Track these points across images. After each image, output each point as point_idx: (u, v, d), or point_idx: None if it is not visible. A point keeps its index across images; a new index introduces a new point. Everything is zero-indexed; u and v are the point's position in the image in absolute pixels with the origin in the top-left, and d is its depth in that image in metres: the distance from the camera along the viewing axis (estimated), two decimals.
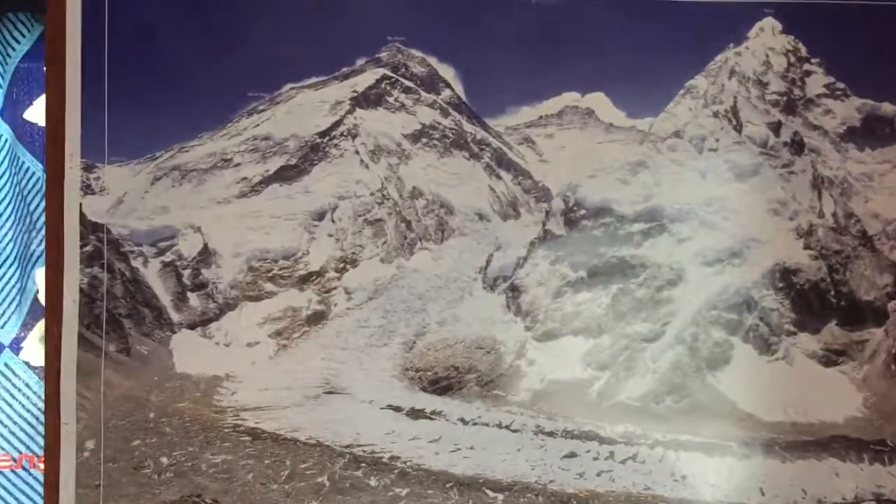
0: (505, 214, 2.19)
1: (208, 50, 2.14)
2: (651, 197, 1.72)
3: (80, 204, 1.75)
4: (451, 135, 2.32)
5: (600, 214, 1.76)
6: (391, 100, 2.49)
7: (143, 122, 2.05)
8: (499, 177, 2.39)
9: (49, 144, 1.76)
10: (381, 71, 2.28)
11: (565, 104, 2.16)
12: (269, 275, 1.92)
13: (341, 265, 1.94)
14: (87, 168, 1.82)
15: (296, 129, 2.18)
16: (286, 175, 2.17)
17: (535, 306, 1.78)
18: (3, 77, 1.89)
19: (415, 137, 2.49)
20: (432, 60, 2.41)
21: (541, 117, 2.22)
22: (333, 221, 2.26)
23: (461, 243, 2.00)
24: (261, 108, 2.14)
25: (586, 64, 1.94)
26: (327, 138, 2.48)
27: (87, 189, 1.78)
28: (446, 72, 2.46)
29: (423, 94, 2.62)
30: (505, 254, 2.04)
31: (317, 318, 1.83)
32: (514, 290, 1.83)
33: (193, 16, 2.08)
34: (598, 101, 2.05)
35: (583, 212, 1.91)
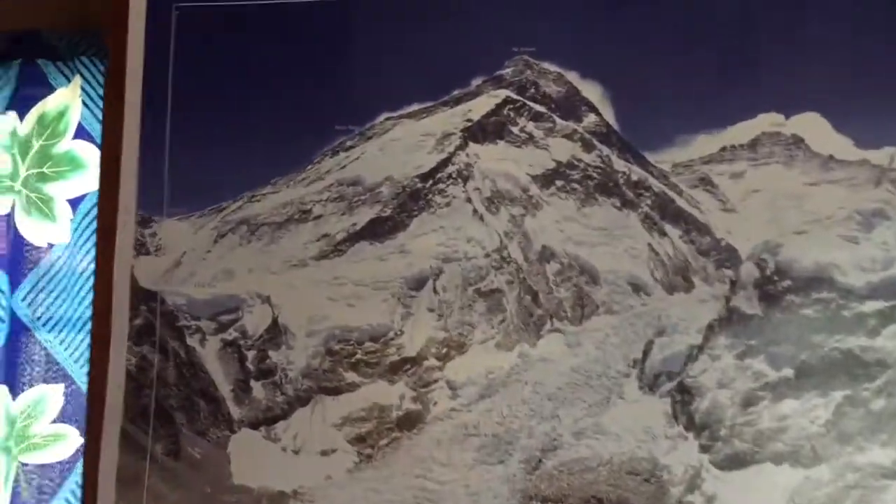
0: (671, 285, 2.21)
1: (288, 74, 2.49)
2: (893, 263, 1.69)
3: (132, 266, 1.95)
4: (595, 175, 2.56)
5: (815, 287, 1.71)
6: (516, 130, 2.70)
7: (209, 165, 2.44)
8: (663, 233, 2.43)
9: (101, 194, 1.99)
10: (504, 93, 2.60)
11: (760, 130, 2.15)
12: (352, 360, 2.06)
13: (444, 350, 2.06)
14: (143, 222, 2.04)
15: (391, 170, 2.44)
16: (377, 230, 2.42)
17: (716, 418, 1.74)
18: None
19: (546, 180, 2.61)
20: (571, 76, 2.57)
21: (724, 149, 2.28)
22: (436, 292, 2.42)
23: (609, 324, 2.07)
24: (349, 144, 2.56)
25: (791, 72, 2.00)
26: (431, 182, 2.68)
27: (139, 248, 1.99)
28: (590, 91, 2.62)
29: (559, 121, 2.79)
30: (671, 340, 2.05)
31: (411, 422, 1.93)
32: (685, 393, 1.81)
33: (270, 37, 2.43)
34: (811, 124, 2.07)
35: (787, 283, 1.88)
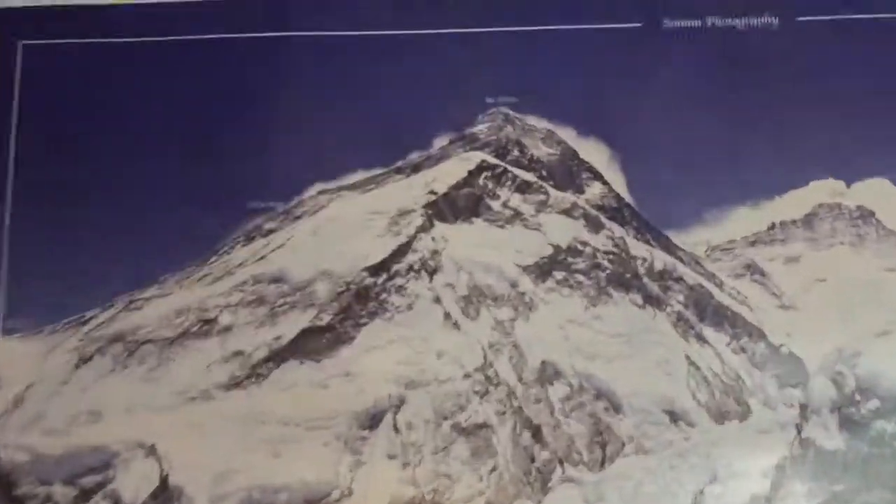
0: (720, 411, 2.20)
1: (180, 133, 2.48)
2: None
3: None
4: (607, 264, 2.58)
5: None
6: (496, 205, 2.72)
7: (68, 257, 2.37)
8: (702, 339, 2.42)
9: None
10: (477, 156, 2.65)
11: (816, 201, 2.18)
12: None
13: None
14: None
15: (328, 261, 2.53)
16: (312, 345, 2.49)
17: None
18: None
19: (542, 271, 2.63)
20: (566, 134, 2.63)
21: (772, 226, 2.29)
22: (398, 430, 2.36)
23: (640, 468, 2.17)
24: (269, 227, 2.56)
25: (849, 127, 2.05)
26: (385, 277, 2.67)
27: None
28: (592, 152, 2.68)
29: (553, 192, 2.80)
30: (726, 490, 2.03)
31: None
32: None
33: (156, 84, 2.43)
34: (879, 192, 2.11)
35: (874, 404, 1.87)
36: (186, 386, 2.07)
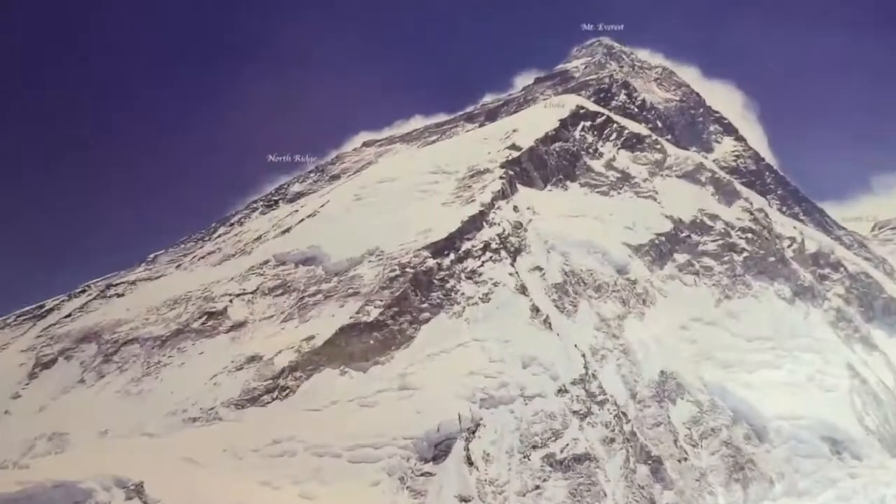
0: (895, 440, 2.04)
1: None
2: None
3: None
4: (744, 244, 2.38)
5: None
6: (598, 165, 2.55)
7: (14, 232, 2.20)
8: (870, 344, 2.26)
9: None
10: (573, 100, 2.46)
11: None
12: None
13: None
14: None
15: (376, 236, 2.31)
16: (355, 348, 2.34)
17: None
18: None
19: (659, 252, 2.51)
20: (689, 74, 2.48)
21: None
22: (471, 463, 2.20)
23: None
24: (296, 189, 2.38)
25: None
26: (452, 257, 2.56)
27: None
28: (725, 98, 2.55)
29: (673, 149, 2.63)
30: None
31: None
32: None
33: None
34: None
35: None
36: (184, 402, 1.87)
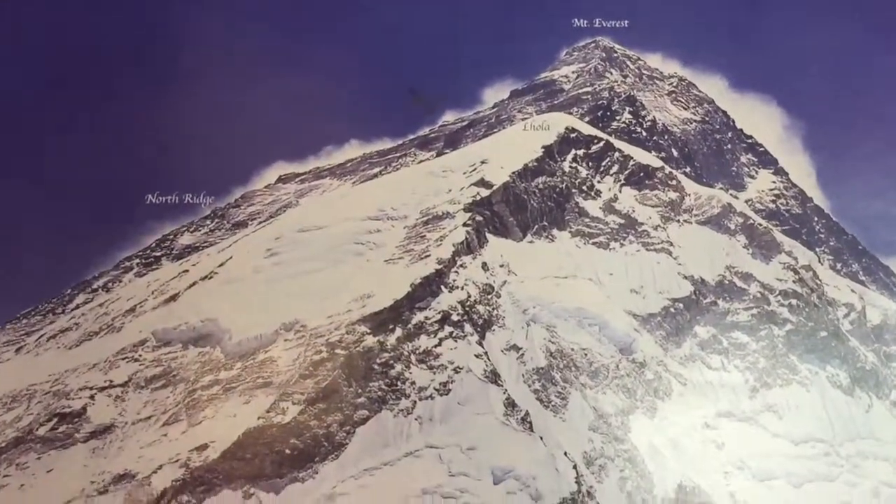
0: None
1: None
2: None
3: None
4: (787, 314, 2.00)
5: None
6: (594, 207, 1.75)
7: None
8: None
9: None
10: (562, 120, 1.75)
11: None
12: None
13: None
14: None
15: (296, 306, 1.97)
16: (265, 463, 1.80)
17: None
18: None
19: (675, 327, 1.74)
20: (712, 85, 1.64)
21: None
22: None
23: None
24: (184, 241, 1.62)
25: None
26: (399, 335, 1.81)
27: None
28: (761, 119, 1.68)
29: (692, 186, 1.90)
30: None
31: None
32: None
33: None
34: None
35: None
36: None
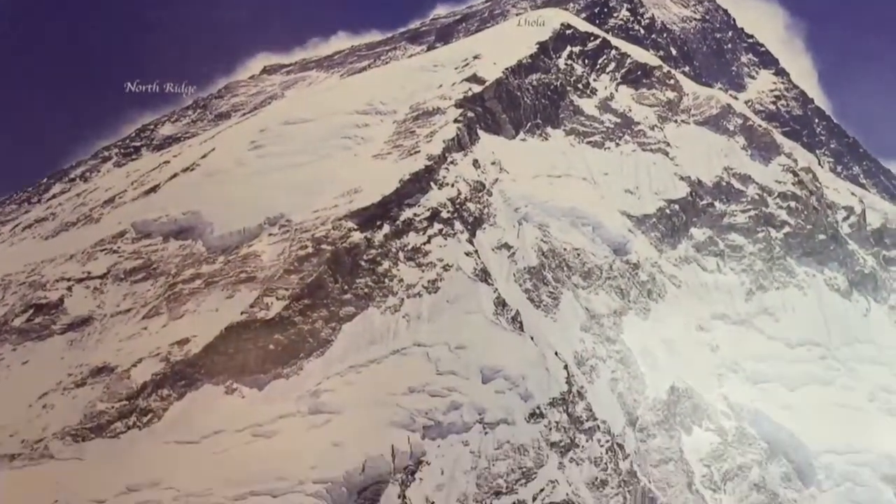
0: None
1: None
2: None
3: None
4: (785, 216, 1.64)
5: None
6: (590, 105, 1.45)
7: None
8: None
9: None
10: (557, 17, 1.54)
11: None
12: None
13: None
14: None
15: (280, 200, 1.82)
16: (248, 357, 1.66)
17: None
18: None
19: (671, 228, 1.56)
20: None
21: None
22: None
23: None
24: (165, 132, 1.41)
25: None
26: (386, 232, 1.64)
27: None
28: (762, 18, 1.35)
29: (691, 85, 1.68)
30: None
31: None
32: None
33: None
34: None
35: None
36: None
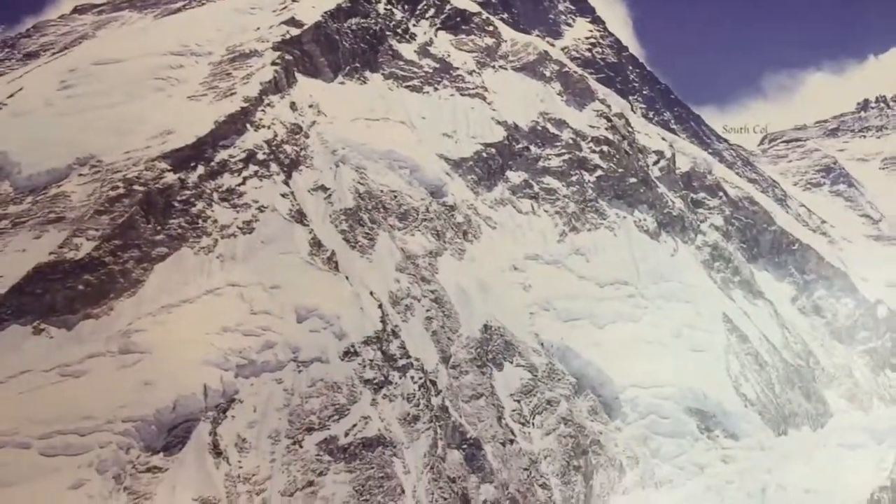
0: (780, 414, 1.79)
1: None
2: None
3: None
4: (598, 160, 2.12)
5: None
6: (409, 51, 2.17)
7: None
8: (755, 291, 2.00)
9: None
10: None
11: None
12: None
13: None
14: None
15: (92, 140, 2.06)
16: (57, 298, 2.08)
17: None
18: None
19: (487, 171, 2.07)
20: None
21: (864, 106, 1.84)
22: (219, 453, 1.88)
23: None
24: None
25: None
26: (200, 173, 2.12)
27: None
28: None
29: (509, 32, 2.33)
30: None
31: None
32: None
33: None
34: None
35: None
36: None
